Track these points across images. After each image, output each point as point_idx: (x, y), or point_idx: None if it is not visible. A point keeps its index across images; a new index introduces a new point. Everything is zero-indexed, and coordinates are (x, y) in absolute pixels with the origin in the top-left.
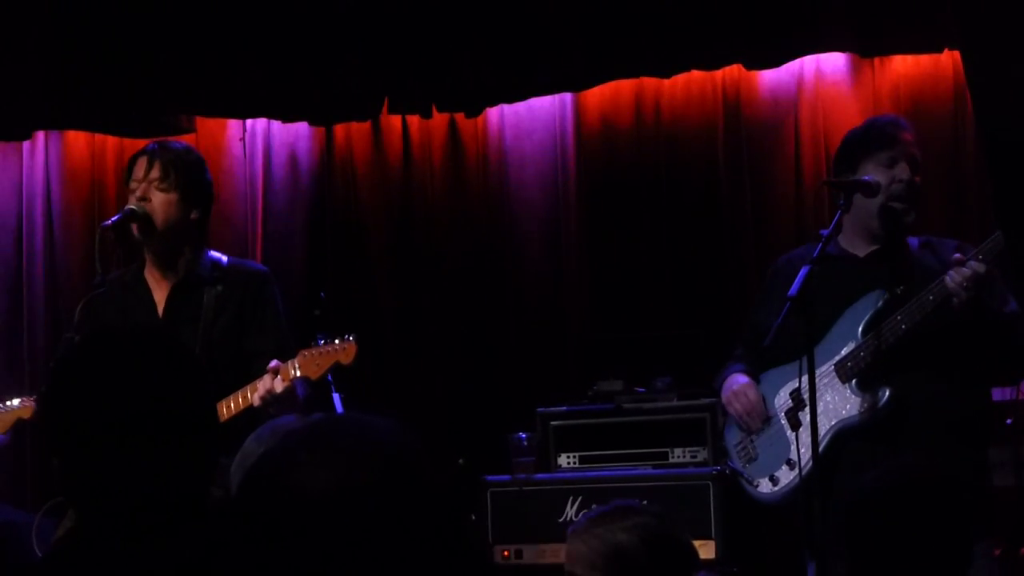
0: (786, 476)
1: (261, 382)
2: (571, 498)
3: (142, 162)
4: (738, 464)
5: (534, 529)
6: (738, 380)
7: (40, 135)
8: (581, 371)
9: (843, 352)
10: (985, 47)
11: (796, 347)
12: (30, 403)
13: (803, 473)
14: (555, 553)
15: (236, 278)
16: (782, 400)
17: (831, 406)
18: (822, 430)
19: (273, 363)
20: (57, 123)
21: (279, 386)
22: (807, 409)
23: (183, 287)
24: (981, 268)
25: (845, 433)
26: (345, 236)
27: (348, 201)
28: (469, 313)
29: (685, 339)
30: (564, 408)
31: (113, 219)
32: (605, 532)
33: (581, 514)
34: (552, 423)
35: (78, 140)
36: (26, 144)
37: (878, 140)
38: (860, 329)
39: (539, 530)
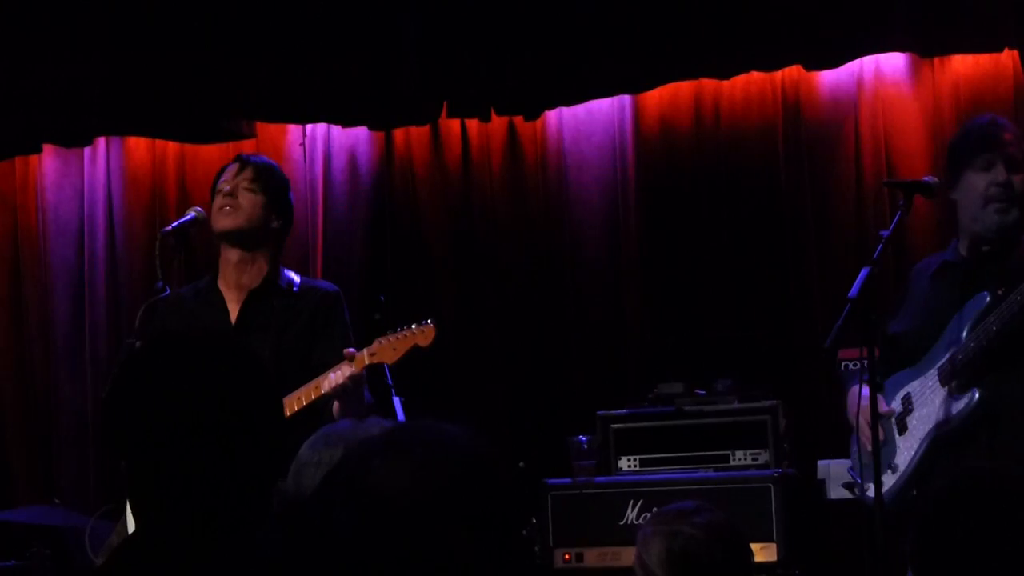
0: (888, 480)
1: (334, 369)
2: (631, 501)
3: (234, 167)
4: (856, 471)
5: (594, 532)
6: (858, 393)
7: (101, 141)
8: (641, 374)
9: (946, 355)
10: None
11: (921, 351)
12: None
13: (900, 478)
14: (616, 556)
15: (309, 294)
16: (896, 404)
17: (932, 410)
18: (920, 435)
19: (350, 349)
20: (118, 129)
21: (348, 370)
22: (915, 413)
23: (258, 295)
24: None
25: (943, 437)
26: (405, 240)
27: (408, 205)
28: (529, 316)
29: (745, 341)
30: (624, 411)
31: (174, 224)
32: (670, 529)
33: (642, 517)
34: (612, 426)
35: (139, 146)
36: (87, 150)
37: (974, 145)
38: (964, 333)
39: (599, 533)
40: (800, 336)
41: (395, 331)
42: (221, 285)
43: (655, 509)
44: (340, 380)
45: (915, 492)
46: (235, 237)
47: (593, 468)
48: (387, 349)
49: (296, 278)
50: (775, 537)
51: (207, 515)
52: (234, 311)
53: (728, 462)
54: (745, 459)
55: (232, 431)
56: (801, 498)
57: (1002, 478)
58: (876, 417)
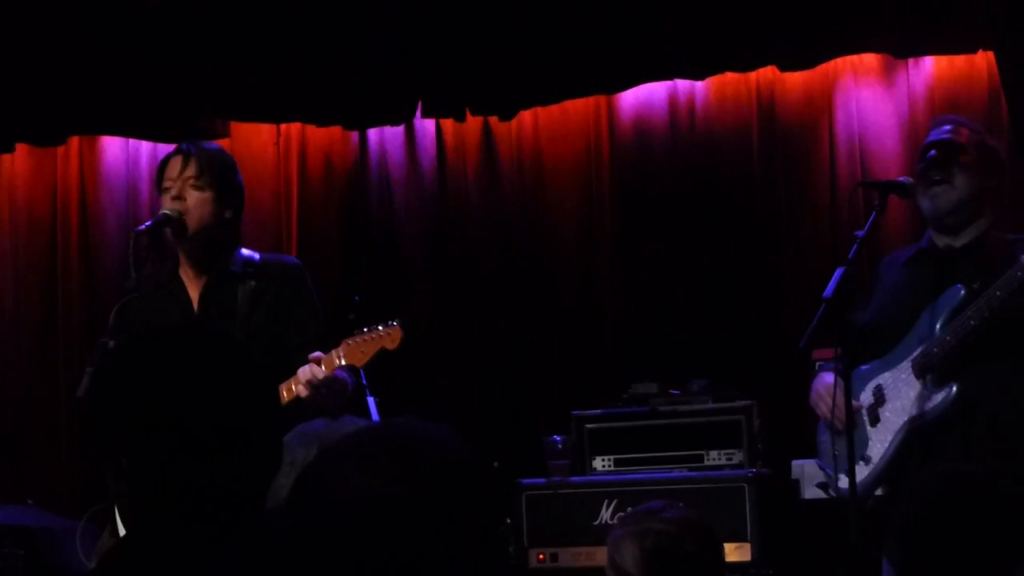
0: (861, 472)
1: (302, 371)
2: (606, 501)
3: (176, 161)
4: (825, 461)
5: (569, 532)
6: (825, 380)
7: (75, 140)
8: (615, 374)
9: (920, 348)
10: (1021, 50)
11: (891, 342)
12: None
13: (873, 470)
14: (590, 556)
15: (270, 272)
16: (867, 396)
17: (907, 403)
18: (895, 427)
19: (315, 354)
20: (92, 128)
21: (320, 373)
22: (887, 405)
23: (216, 283)
24: None
25: (919, 431)
26: (379, 240)
27: (382, 204)
28: (503, 316)
29: (720, 342)
30: (599, 411)
31: (147, 224)
32: (640, 529)
33: (617, 517)
34: (587, 426)
35: (112, 145)
36: (61, 149)
37: (923, 151)
38: (939, 325)
39: (574, 533)
40: (774, 336)
41: (362, 332)
42: (182, 275)
43: (629, 509)
44: (309, 381)
45: (884, 488)
46: (189, 239)
47: (567, 468)
48: (355, 351)
49: (255, 255)
50: (749, 537)
51: (202, 514)
52: (195, 301)
53: (702, 462)
54: (719, 459)
55: (227, 426)
56: (775, 498)
57: (986, 481)
58: (851, 411)
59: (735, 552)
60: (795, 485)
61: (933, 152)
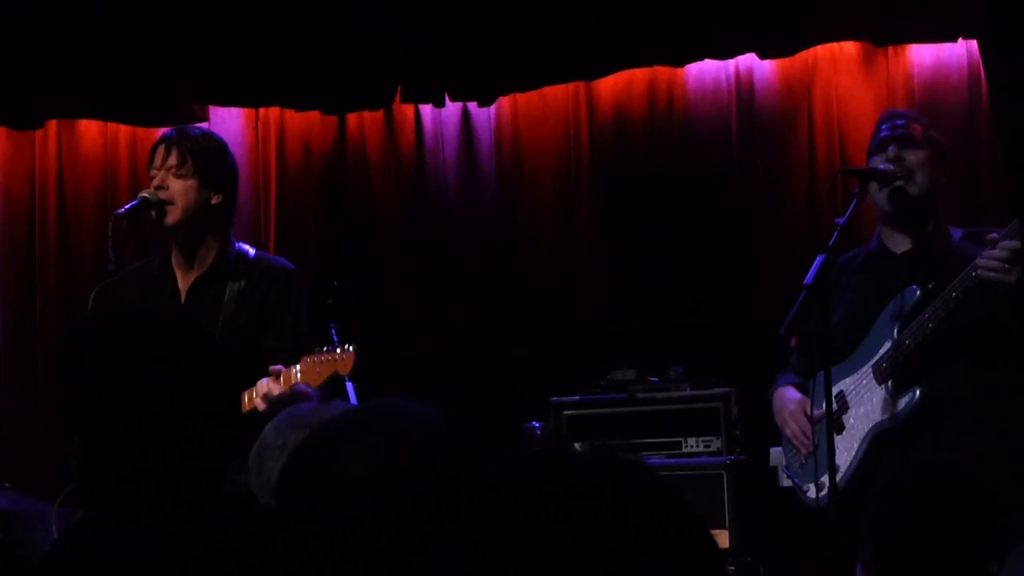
0: (828, 481)
1: (259, 384)
2: None
3: (160, 150)
4: (793, 470)
5: None
6: (791, 397)
7: (53, 124)
8: (594, 361)
9: (880, 352)
10: (1004, 38)
11: (848, 346)
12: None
13: (841, 479)
14: None
15: (261, 273)
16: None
17: (870, 409)
18: (860, 434)
19: (276, 367)
20: (69, 112)
21: (276, 389)
22: (851, 412)
23: (206, 279)
24: (1016, 244)
25: (883, 437)
26: (358, 225)
27: (361, 190)
28: (482, 302)
29: (698, 329)
30: (577, 398)
31: (126, 207)
32: None
33: None
34: (565, 413)
35: (90, 129)
36: (39, 133)
37: (877, 132)
38: (896, 328)
39: None
40: (753, 324)
41: (321, 352)
42: (174, 265)
43: None
44: (265, 396)
45: (856, 488)
46: (175, 229)
47: None
48: (312, 371)
49: (250, 251)
50: (727, 524)
51: (154, 497)
52: (184, 293)
53: (680, 449)
54: (697, 446)
55: (182, 412)
56: (753, 485)
57: (958, 474)
58: (831, 407)
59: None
60: (773, 472)
61: (893, 148)
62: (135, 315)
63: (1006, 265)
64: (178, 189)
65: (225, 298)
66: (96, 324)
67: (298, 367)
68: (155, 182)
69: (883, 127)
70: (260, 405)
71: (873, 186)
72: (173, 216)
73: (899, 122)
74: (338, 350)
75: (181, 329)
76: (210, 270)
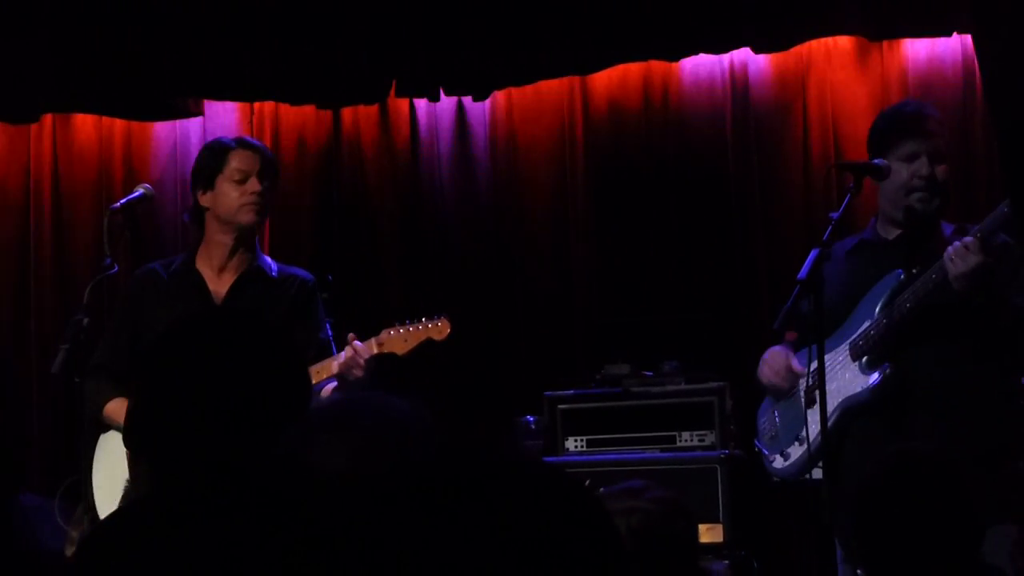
0: (796, 452)
1: (346, 351)
2: None
3: (249, 156)
4: (763, 442)
5: None
6: (771, 349)
7: (48, 118)
8: (589, 355)
9: (858, 331)
10: (998, 32)
11: (833, 326)
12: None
13: (811, 450)
14: None
15: (287, 281)
16: (804, 380)
17: (842, 384)
18: (831, 407)
19: (351, 335)
20: (65, 106)
21: (365, 352)
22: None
23: (246, 280)
24: (972, 242)
25: (853, 410)
26: (353, 219)
27: (356, 184)
28: (476, 296)
29: (693, 323)
30: (572, 391)
31: (122, 201)
32: (624, 507)
33: None
34: (560, 406)
35: (86, 123)
36: (34, 127)
37: (899, 132)
38: (877, 309)
39: None
40: (747, 318)
41: (406, 323)
42: (202, 266)
43: (602, 490)
44: (352, 359)
45: (836, 463)
46: (249, 231)
47: (540, 449)
48: (397, 340)
49: (273, 264)
50: (721, 518)
51: (225, 473)
52: (218, 293)
53: (675, 443)
54: (692, 440)
55: (268, 400)
56: (747, 479)
57: (940, 461)
58: (824, 407)
59: (707, 533)
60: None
61: (925, 163)
62: (218, 313)
63: (963, 250)
64: (267, 198)
65: (259, 302)
66: (186, 322)
67: (379, 338)
68: (256, 187)
69: (912, 131)
70: (335, 368)
71: (886, 184)
72: (262, 219)
73: (931, 128)
74: (424, 319)
75: (260, 324)
76: (247, 273)
